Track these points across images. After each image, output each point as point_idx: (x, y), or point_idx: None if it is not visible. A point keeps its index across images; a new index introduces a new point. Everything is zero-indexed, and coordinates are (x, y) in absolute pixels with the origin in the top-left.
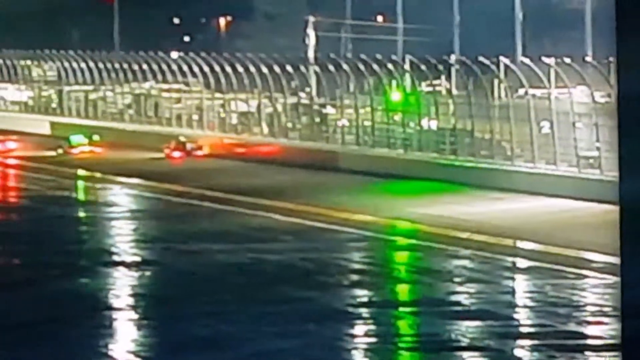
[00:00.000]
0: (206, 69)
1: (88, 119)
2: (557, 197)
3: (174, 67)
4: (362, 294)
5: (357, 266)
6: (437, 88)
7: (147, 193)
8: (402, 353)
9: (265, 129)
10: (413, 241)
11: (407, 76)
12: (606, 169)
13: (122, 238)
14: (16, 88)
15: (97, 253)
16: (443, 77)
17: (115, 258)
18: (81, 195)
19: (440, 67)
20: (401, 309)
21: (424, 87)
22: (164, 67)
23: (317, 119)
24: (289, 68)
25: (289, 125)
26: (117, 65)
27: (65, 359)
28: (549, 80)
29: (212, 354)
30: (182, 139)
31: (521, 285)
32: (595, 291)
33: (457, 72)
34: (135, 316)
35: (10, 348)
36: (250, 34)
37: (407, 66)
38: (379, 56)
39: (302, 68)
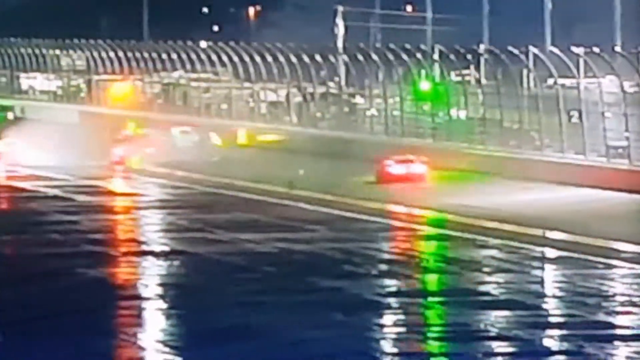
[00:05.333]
0: (235, 58)
1: (116, 109)
2: (586, 187)
3: (203, 56)
4: (392, 284)
5: (386, 256)
6: (466, 78)
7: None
8: (431, 343)
9: (294, 119)
10: (442, 231)
11: (436, 66)
12: (635, 158)
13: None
14: (45, 77)
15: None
16: (472, 66)
17: (145, 247)
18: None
19: (469, 56)
20: (430, 298)
21: (453, 76)
22: (193, 56)
23: (346, 109)
24: (318, 58)
25: (318, 114)
26: (146, 55)
27: (95, 349)
28: (578, 70)
29: (241, 344)
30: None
31: (550, 275)
32: (624, 281)
33: (486, 62)
34: (165, 305)
35: (40, 337)
36: (279, 24)
37: (436, 56)
38: (408, 46)
39: (331, 58)
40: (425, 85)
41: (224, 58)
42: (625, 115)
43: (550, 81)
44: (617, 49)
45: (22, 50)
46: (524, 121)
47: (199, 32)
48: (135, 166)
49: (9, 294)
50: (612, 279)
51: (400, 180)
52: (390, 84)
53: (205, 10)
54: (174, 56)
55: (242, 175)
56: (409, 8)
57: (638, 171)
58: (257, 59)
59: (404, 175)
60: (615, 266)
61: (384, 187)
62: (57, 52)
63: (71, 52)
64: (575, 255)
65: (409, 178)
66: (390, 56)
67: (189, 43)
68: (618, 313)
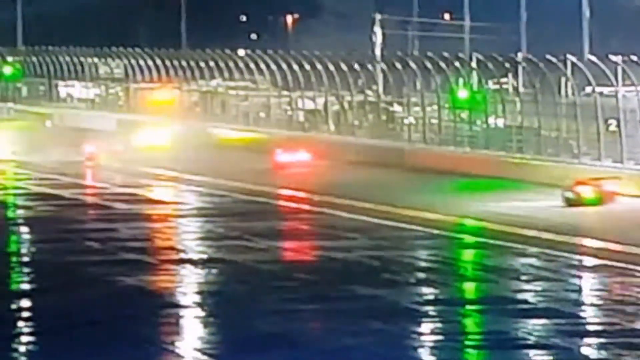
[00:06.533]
0: (273, 66)
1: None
2: (623, 195)
3: (241, 64)
4: (429, 292)
5: (424, 264)
6: (504, 86)
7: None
8: (468, 351)
9: (332, 127)
10: (480, 239)
11: (474, 74)
12: None
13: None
14: (83, 85)
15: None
16: (510, 74)
17: (183, 255)
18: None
19: (507, 64)
20: (468, 306)
21: (491, 84)
22: (231, 64)
23: (384, 117)
24: (355, 66)
25: (356, 123)
26: (184, 63)
27: (133, 357)
28: (616, 78)
29: (279, 352)
30: None
31: (588, 284)
32: None
33: (524, 70)
34: (203, 313)
35: (78, 345)
36: (317, 32)
37: (474, 64)
38: (445, 54)
39: (369, 66)
40: (463, 94)
41: (262, 66)
42: None
43: (588, 89)
44: None
45: (60, 58)
46: (562, 129)
47: (237, 41)
48: (103, 162)
49: (47, 302)
50: None
51: (287, 167)
52: (428, 92)
53: (243, 18)
54: (212, 64)
55: None
56: (446, 16)
57: None
58: (295, 67)
59: (289, 162)
60: None
61: (274, 172)
62: (95, 60)
63: (109, 60)
64: (613, 263)
65: (295, 165)
66: (428, 64)
67: (227, 51)
68: None
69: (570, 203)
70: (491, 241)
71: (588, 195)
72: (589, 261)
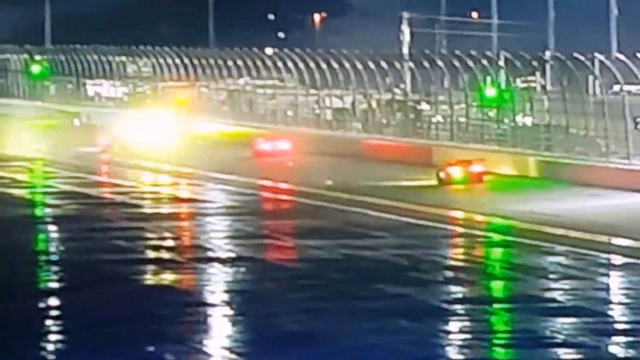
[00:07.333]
0: (301, 65)
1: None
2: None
3: (269, 63)
4: (457, 291)
5: (451, 263)
6: (532, 84)
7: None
8: (496, 349)
9: (360, 125)
10: (507, 238)
11: (502, 72)
12: None
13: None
14: (111, 84)
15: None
16: (538, 73)
17: (210, 254)
18: None
19: (535, 63)
20: (496, 305)
21: (519, 83)
22: (259, 63)
23: (412, 115)
24: (383, 64)
25: (384, 121)
26: (211, 61)
27: (162, 355)
28: None
29: (306, 350)
30: None
31: (616, 282)
32: None
33: (552, 68)
34: (230, 312)
35: (105, 343)
36: (345, 30)
37: (501, 62)
38: (473, 52)
39: (397, 64)
40: (490, 92)
41: (290, 65)
42: None
43: (616, 87)
44: None
45: (88, 57)
46: (590, 127)
47: (265, 39)
48: (116, 154)
49: (75, 300)
50: None
51: (268, 156)
52: (456, 91)
53: (271, 17)
54: (240, 63)
55: None
56: (474, 14)
57: None
58: (323, 65)
59: (270, 151)
60: None
61: (255, 161)
62: (123, 59)
63: (137, 59)
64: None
65: (275, 154)
66: (456, 62)
67: (255, 50)
68: None
69: (442, 182)
70: (518, 240)
71: (457, 175)
72: (616, 259)
